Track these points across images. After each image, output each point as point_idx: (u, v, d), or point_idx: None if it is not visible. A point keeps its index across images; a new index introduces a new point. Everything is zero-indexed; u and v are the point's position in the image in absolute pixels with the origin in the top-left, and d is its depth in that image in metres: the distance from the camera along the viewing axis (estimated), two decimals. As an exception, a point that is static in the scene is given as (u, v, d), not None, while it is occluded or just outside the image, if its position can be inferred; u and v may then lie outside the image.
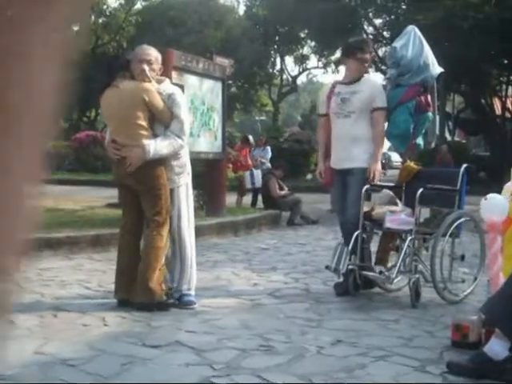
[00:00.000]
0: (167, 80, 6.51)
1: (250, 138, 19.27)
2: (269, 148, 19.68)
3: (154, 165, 6.05)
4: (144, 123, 6.06)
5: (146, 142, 5.98)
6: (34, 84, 0.83)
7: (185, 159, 6.38)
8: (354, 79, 7.22)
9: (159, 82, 6.29)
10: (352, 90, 7.17)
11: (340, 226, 7.28)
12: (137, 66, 6.14)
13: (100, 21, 35.09)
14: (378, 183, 7.12)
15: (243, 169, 17.09)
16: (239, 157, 17.29)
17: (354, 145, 7.10)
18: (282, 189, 15.29)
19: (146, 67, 6.11)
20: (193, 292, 6.36)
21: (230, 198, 14.12)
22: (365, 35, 41.51)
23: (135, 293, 6.03)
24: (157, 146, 6.00)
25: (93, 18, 33.36)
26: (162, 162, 6.13)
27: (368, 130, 7.13)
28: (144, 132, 6.03)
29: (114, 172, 6.42)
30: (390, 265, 7.02)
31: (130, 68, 6.20)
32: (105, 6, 34.82)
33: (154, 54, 6.27)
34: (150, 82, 6.13)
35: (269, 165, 18.33)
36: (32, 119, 0.83)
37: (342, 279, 6.90)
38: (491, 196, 5.40)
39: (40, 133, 0.87)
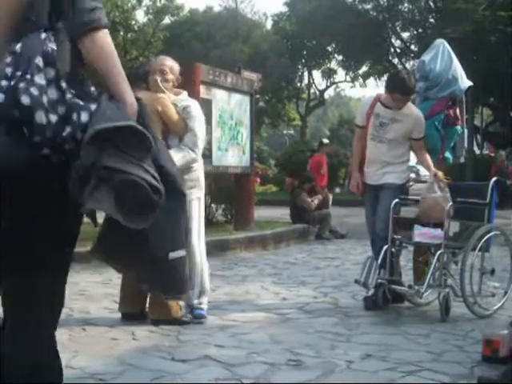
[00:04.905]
0: (185, 92, 6.40)
1: (325, 141, 17.40)
2: None
3: None
4: (156, 134, 6.00)
5: None
6: None
7: (198, 173, 6.26)
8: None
9: (177, 94, 6.25)
10: (392, 117, 7.02)
11: (371, 240, 7.24)
12: (151, 77, 6.12)
13: (128, 36, 35.27)
14: (408, 197, 7.09)
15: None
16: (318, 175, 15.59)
17: (385, 167, 7.08)
18: (313, 200, 14.91)
19: (158, 78, 6.07)
20: (204, 306, 6.28)
21: (257, 212, 14.04)
22: (392, 49, 41.59)
23: (151, 309, 6.04)
24: None
25: (121, 33, 33.52)
26: None
27: (402, 155, 7.11)
28: None
29: None
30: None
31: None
32: (133, 22, 35.00)
33: (168, 63, 6.18)
34: (163, 92, 6.05)
35: None
36: None
37: (371, 293, 6.87)
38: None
39: None
